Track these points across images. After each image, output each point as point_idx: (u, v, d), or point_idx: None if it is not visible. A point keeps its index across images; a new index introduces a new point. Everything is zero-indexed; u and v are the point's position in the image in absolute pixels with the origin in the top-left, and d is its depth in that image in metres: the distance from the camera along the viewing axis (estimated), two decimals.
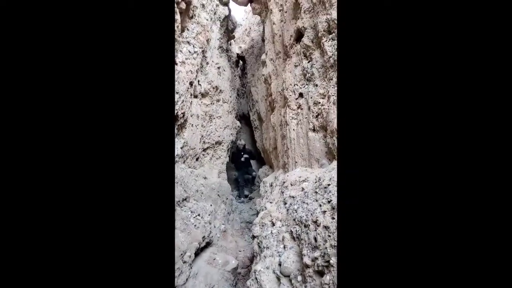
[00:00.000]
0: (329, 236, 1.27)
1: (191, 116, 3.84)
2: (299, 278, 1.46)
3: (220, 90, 4.88)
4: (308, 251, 1.42)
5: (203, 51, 3.95)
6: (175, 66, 3.22)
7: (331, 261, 1.19)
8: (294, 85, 2.80)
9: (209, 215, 3.21)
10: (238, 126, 5.85)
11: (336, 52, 2.04)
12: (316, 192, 1.67)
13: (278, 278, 1.63)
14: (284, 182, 2.47)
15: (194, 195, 3.33)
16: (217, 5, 4.68)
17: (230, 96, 5.39)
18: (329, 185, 1.57)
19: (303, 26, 2.57)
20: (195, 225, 2.84)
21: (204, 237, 2.86)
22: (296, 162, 2.74)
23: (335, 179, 1.56)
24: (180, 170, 3.25)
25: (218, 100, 4.86)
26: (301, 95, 2.71)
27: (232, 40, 6.49)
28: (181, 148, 3.40)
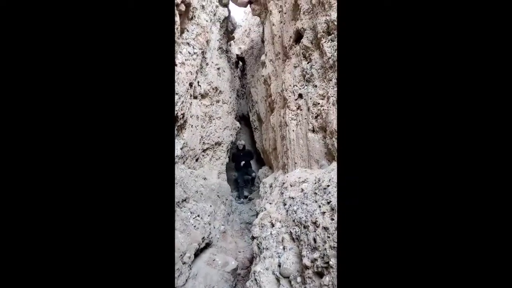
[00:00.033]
0: (329, 237, 1.27)
1: (191, 117, 3.84)
2: (299, 279, 1.46)
3: (220, 91, 4.89)
4: (308, 252, 1.42)
5: (202, 52, 3.96)
6: (175, 67, 3.22)
7: (330, 262, 1.19)
8: (294, 86, 2.80)
9: (208, 216, 3.21)
10: (238, 127, 5.85)
11: (335, 53, 2.04)
12: (316, 193, 1.67)
13: (278, 279, 1.63)
14: (283, 183, 2.47)
15: (194, 196, 3.33)
16: (216, 6, 4.69)
17: (230, 97, 5.40)
18: (328, 186, 1.57)
19: (302, 27, 2.58)
20: (194, 226, 2.84)
21: (203, 238, 2.86)
22: (295, 163, 2.74)
23: (335, 180, 1.57)
24: (180, 171, 3.25)
25: (217, 101, 4.86)
26: (300, 96, 2.71)
27: (232, 41, 6.50)
28: (181, 149, 3.40)
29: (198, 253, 2.74)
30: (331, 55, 2.09)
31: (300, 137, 2.69)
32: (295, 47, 2.85)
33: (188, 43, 3.56)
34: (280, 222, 2.02)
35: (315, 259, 1.30)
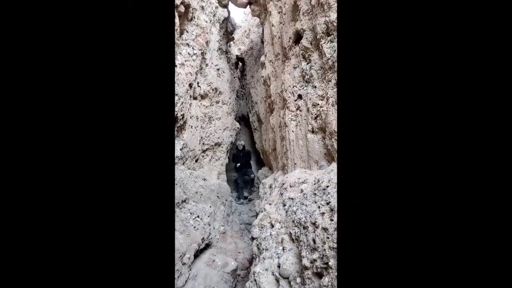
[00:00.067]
0: (328, 238, 1.27)
1: (191, 117, 3.84)
2: (298, 280, 1.47)
3: (220, 92, 4.89)
4: (307, 253, 1.42)
5: (202, 53, 3.97)
6: (175, 68, 3.22)
7: (329, 263, 1.19)
8: (293, 86, 2.80)
9: (208, 216, 3.21)
10: (238, 128, 5.86)
11: (334, 54, 2.04)
12: (315, 194, 1.68)
13: (277, 280, 1.63)
14: (283, 184, 2.47)
15: (194, 197, 3.34)
16: (216, 7, 4.70)
17: (230, 98, 5.40)
18: (327, 186, 1.57)
19: (301, 28, 2.58)
20: (194, 227, 2.84)
21: (203, 238, 2.86)
22: (295, 163, 2.74)
23: (334, 180, 1.57)
24: (180, 171, 3.25)
25: (217, 102, 4.87)
26: (300, 96, 2.72)
27: (232, 42, 6.51)
28: (181, 149, 3.40)
29: (197, 254, 2.74)
30: (331, 56, 2.09)
31: (299, 137, 2.69)
32: (294, 48, 2.85)
33: (187, 44, 3.57)
34: (279, 222, 2.02)
35: (315, 260, 1.30)
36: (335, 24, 2.03)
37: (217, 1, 4.71)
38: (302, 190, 2.05)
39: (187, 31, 3.55)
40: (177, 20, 3.03)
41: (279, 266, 1.66)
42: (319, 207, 1.52)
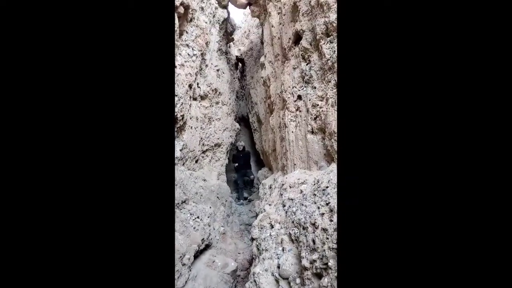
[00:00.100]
0: (327, 238, 1.27)
1: (190, 118, 3.85)
2: (298, 280, 1.47)
3: (219, 93, 4.90)
4: (307, 253, 1.42)
5: (202, 54, 3.97)
6: (174, 69, 3.23)
7: (329, 264, 1.19)
8: (293, 87, 2.81)
9: (208, 217, 3.21)
10: (238, 128, 5.87)
11: (334, 55, 2.05)
12: (315, 195, 1.68)
13: (277, 281, 1.63)
14: (283, 184, 2.47)
15: (193, 198, 3.34)
16: (216, 8, 4.71)
17: (229, 98, 5.41)
18: (327, 187, 1.58)
19: (301, 29, 2.59)
20: (194, 228, 2.84)
21: (203, 239, 2.86)
22: (295, 164, 2.74)
23: (333, 181, 1.57)
24: (180, 172, 3.25)
25: (217, 103, 4.87)
26: (299, 97, 2.72)
27: (231, 43, 6.51)
28: (180, 150, 3.40)
29: (197, 254, 2.74)
30: (330, 57, 2.09)
31: (299, 138, 2.69)
32: (294, 48, 2.86)
33: (187, 45, 3.57)
34: (279, 223, 2.02)
35: (314, 260, 1.31)
36: (334, 25, 2.03)
37: (216, 2, 4.72)
38: (301, 191, 2.05)
39: (186, 32, 3.55)
40: (176, 21, 3.03)
41: (278, 267, 1.66)
42: (318, 207, 1.52)
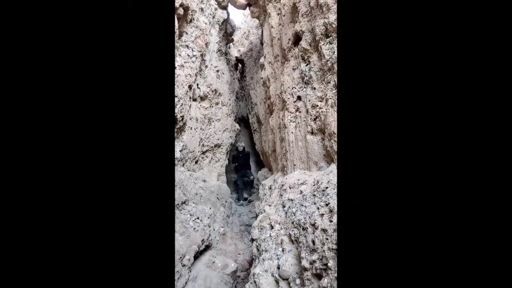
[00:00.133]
0: (327, 239, 1.27)
1: (190, 119, 3.85)
2: (298, 281, 1.47)
3: (219, 93, 4.90)
4: (306, 254, 1.42)
5: (202, 55, 3.98)
6: (174, 69, 3.23)
7: (329, 264, 1.19)
8: (292, 88, 2.81)
9: (208, 218, 3.21)
10: (237, 129, 5.87)
11: (333, 56, 2.05)
12: (314, 195, 1.68)
13: (277, 281, 1.63)
14: (283, 185, 2.48)
15: (193, 198, 3.34)
16: (215, 9, 4.71)
17: (229, 99, 5.41)
18: (327, 188, 1.58)
19: (301, 30, 2.59)
20: (194, 228, 2.84)
21: (203, 240, 2.86)
22: (294, 164, 2.75)
23: (333, 182, 1.57)
24: (179, 173, 3.25)
25: (217, 103, 4.87)
26: (299, 98, 2.72)
27: (231, 43, 6.52)
28: (180, 151, 3.41)
29: (197, 255, 2.74)
30: (330, 58, 2.10)
31: (299, 139, 2.70)
32: (293, 49, 2.86)
33: (187, 46, 3.58)
34: (279, 224, 2.02)
35: (314, 261, 1.31)
36: (334, 25, 2.03)
37: (216, 3, 4.72)
38: (301, 191, 2.05)
39: (186, 33, 3.56)
40: (176, 22, 3.04)
41: (278, 268, 1.66)
42: (318, 208, 1.52)
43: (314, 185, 1.81)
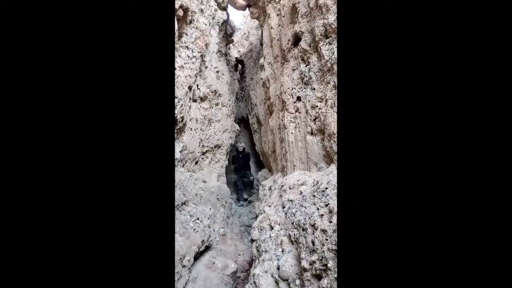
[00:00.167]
0: (327, 239, 1.27)
1: (190, 120, 3.85)
2: (297, 282, 1.47)
3: (219, 94, 4.90)
4: (306, 254, 1.42)
5: (201, 56, 3.98)
6: (174, 70, 3.23)
7: (328, 265, 1.19)
8: (292, 88, 2.81)
9: (208, 218, 3.21)
10: (237, 130, 5.87)
11: (333, 56, 2.05)
12: (314, 196, 1.68)
13: (277, 282, 1.63)
14: (282, 186, 2.48)
15: (193, 199, 3.34)
16: (215, 10, 4.72)
17: (229, 100, 5.41)
18: (326, 188, 1.58)
19: (300, 31, 2.59)
20: (194, 229, 2.84)
21: (203, 241, 2.86)
22: (294, 165, 2.75)
23: (333, 182, 1.57)
24: (179, 174, 3.25)
25: (217, 104, 4.87)
26: (299, 98, 2.73)
27: (231, 44, 6.53)
28: (180, 152, 3.41)
29: (197, 256, 2.74)
30: (329, 58, 2.10)
31: (298, 139, 2.70)
32: (293, 50, 2.87)
33: (187, 47, 3.58)
34: (279, 224, 2.02)
35: (314, 262, 1.31)
36: (333, 26, 2.04)
37: (216, 4, 4.73)
38: (301, 192, 2.05)
39: (186, 34, 3.56)
40: (175, 23, 3.04)
41: (278, 268, 1.66)
42: (318, 209, 1.52)
43: (313, 185, 1.81)
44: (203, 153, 4.44)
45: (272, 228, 2.06)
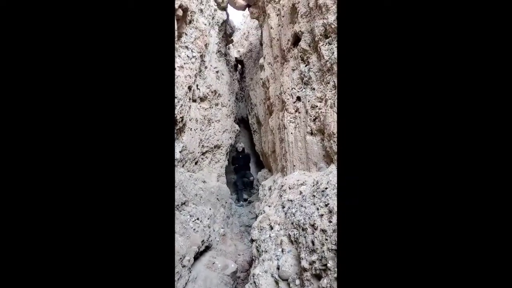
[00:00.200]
0: (326, 239, 1.27)
1: (190, 120, 3.85)
2: (297, 281, 1.47)
3: (219, 94, 4.90)
4: (306, 254, 1.42)
5: (201, 56, 3.98)
6: (174, 71, 3.23)
7: (328, 265, 1.19)
8: (292, 88, 2.81)
9: (208, 219, 3.21)
10: (237, 130, 5.87)
11: (332, 56, 2.05)
12: (314, 196, 1.68)
13: (277, 282, 1.63)
14: (282, 186, 2.48)
15: (193, 199, 3.34)
16: (215, 10, 4.72)
17: (229, 100, 5.41)
18: (326, 188, 1.58)
19: (300, 31, 2.59)
20: (194, 229, 2.84)
21: (203, 241, 2.86)
22: (294, 165, 2.75)
23: (332, 182, 1.57)
24: (179, 174, 3.25)
25: (216, 104, 4.88)
26: (298, 98, 2.73)
27: (231, 44, 6.53)
28: (180, 152, 3.41)
29: (197, 256, 2.74)
30: (329, 58, 2.10)
31: (298, 139, 2.70)
32: (293, 50, 2.87)
33: (186, 47, 3.58)
34: (279, 224, 2.02)
35: (313, 262, 1.31)
36: (333, 26, 2.04)
37: (216, 4, 4.73)
38: (301, 192, 2.05)
39: (185, 34, 3.56)
40: (175, 23, 3.04)
41: (278, 268, 1.66)
42: (317, 208, 1.52)
43: (313, 185, 1.81)
44: (203, 153, 4.44)
45: (272, 228, 2.06)
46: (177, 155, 3.32)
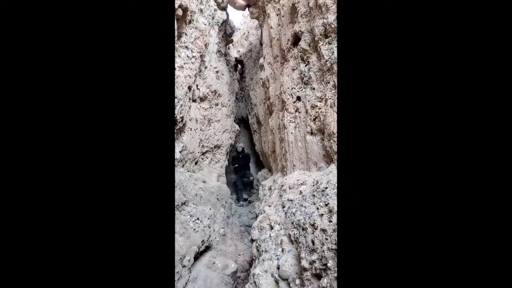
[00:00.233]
0: (326, 239, 1.27)
1: (190, 120, 3.85)
2: (297, 281, 1.47)
3: (219, 94, 4.90)
4: (306, 254, 1.42)
5: (201, 56, 3.98)
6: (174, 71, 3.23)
7: (328, 264, 1.19)
8: (292, 88, 2.81)
9: (208, 219, 3.21)
10: (237, 130, 5.87)
11: (332, 56, 2.05)
12: (314, 195, 1.68)
13: (277, 282, 1.63)
14: (282, 185, 2.48)
15: (193, 199, 3.34)
16: (215, 10, 4.72)
17: (229, 100, 5.41)
18: (326, 188, 1.58)
19: (300, 30, 2.59)
20: (194, 229, 2.84)
21: (203, 241, 2.86)
22: (294, 165, 2.75)
23: (332, 182, 1.57)
24: (179, 174, 3.25)
25: (216, 104, 4.88)
26: (298, 98, 2.73)
27: (231, 44, 6.53)
28: (180, 152, 3.41)
29: (197, 256, 2.74)
30: (329, 58, 2.10)
31: (298, 139, 2.70)
32: (293, 50, 2.87)
33: (186, 47, 3.58)
34: (279, 224, 2.02)
35: (313, 261, 1.31)
36: (333, 26, 2.04)
37: (215, 4, 4.73)
38: (301, 192, 2.05)
39: (185, 34, 3.56)
40: (175, 23, 3.04)
41: (278, 268, 1.66)
42: (318, 208, 1.52)
43: (313, 185, 1.81)
44: (203, 153, 4.44)
45: (272, 228, 2.06)
46: (177, 155, 3.32)
